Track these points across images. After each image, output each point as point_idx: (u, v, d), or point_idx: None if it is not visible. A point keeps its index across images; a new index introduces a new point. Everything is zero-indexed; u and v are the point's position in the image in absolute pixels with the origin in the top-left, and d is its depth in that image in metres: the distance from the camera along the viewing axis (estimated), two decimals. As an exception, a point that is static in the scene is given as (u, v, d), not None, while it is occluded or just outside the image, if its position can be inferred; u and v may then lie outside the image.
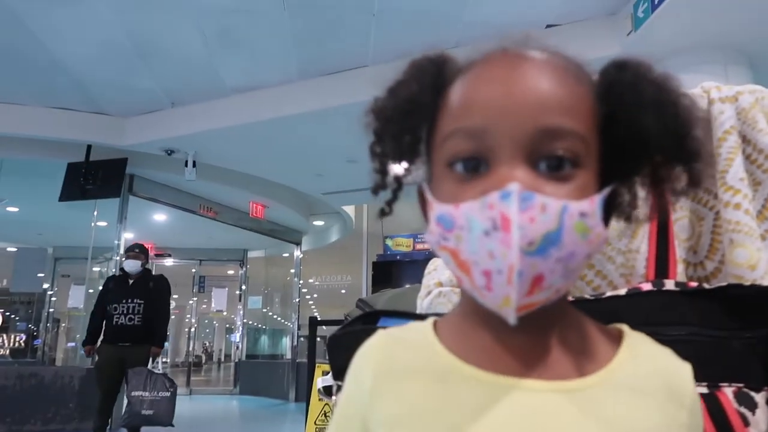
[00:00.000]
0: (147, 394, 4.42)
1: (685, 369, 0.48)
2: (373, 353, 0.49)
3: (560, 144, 0.41)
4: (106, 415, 4.59)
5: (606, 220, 0.46)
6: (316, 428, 4.26)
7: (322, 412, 4.21)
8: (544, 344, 0.46)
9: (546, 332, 0.46)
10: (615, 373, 0.45)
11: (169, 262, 11.25)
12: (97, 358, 4.74)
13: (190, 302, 12.39)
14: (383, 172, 0.50)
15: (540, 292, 0.41)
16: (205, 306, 13.56)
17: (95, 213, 7.20)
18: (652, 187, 0.47)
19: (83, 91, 5.68)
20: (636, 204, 0.48)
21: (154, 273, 5.05)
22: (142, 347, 4.62)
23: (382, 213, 0.52)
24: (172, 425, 4.56)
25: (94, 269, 8.41)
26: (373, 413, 0.46)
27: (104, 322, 4.69)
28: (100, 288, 4.95)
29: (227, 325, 22.22)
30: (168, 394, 4.56)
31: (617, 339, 0.48)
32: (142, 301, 4.68)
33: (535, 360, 0.45)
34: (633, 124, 0.44)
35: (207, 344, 24.74)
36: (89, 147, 6.43)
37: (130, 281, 4.79)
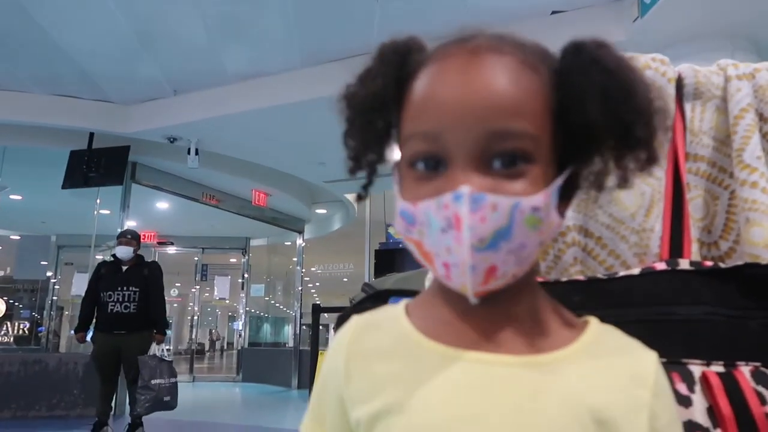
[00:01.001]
0: (164, 381, 4.48)
1: (650, 354, 0.49)
2: (347, 339, 0.52)
3: (511, 144, 0.44)
4: (108, 401, 4.61)
5: (565, 204, 0.48)
6: (320, 414, 4.27)
7: (326, 398, 4.22)
8: (508, 321, 0.48)
9: (510, 310, 0.48)
10: (576, 352, 0.47)
11: (171, 250, 11.27)
12: (92, 346, 4.72)
13: (193, 290, 12.41)
14: (356, 158, 0.52)
15: (495, 280, 0.44)
16: (207, 294, 13.60)
17: (98, 201, 7.20)
18: (612, 162, 0.48)
19: (86, 79, 5.66)
20: (600, 180, 0.49)
21: (147, 260, 4.98)
22: (138, 335, 4.59)
23: (359, 198, 0.55)
24: (175, 408, 4.66)
25: (98, 257, 8.42)
26: (347, 393, 0.49)
27: (97, 310, 4.65)
28: (92, 273, 4.87)
29: (230, 313, 22.32)
30: (175, 380, 4.64)
31: (583, 325, 0.50)
32: (138, 289, 4.63)
33: (498, 335, 0.47)
34: (581, 112, 0.45)
35: (213, 331, 24.83)
36: (92, 135, 6.42)
37: (123, 268, 4.72)
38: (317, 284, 17.28)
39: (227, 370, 13.79)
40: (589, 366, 0.46)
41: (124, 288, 4.62)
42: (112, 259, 4.82)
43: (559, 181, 0.46)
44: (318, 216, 10.13)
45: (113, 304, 4.59)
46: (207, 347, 23.91)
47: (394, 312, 0.52)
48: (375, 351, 0.50)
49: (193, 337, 12.29)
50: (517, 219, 0.43)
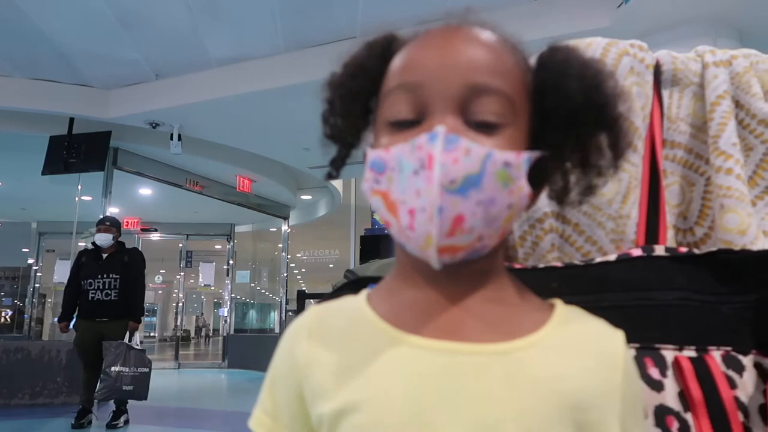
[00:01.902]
0: (127, 369, 4.40)
1: (617, 334, 0.49)
2: (305, 328, 0.51)
3: (489, 100, 0.45)
4: (92, 388, 4.57)
5: (535, 188, 0.48)
6: (305, 400, 4.29)
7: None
8: (475, 306, 0.47)
9: (474, 293, 0.47)
10: (545, 337, 0.47)
11: (155, 236, 11.18)
12: (75, 334, 4.69)
13: (178, 277, 12.33)
14: (333, 136, 0.53)
15: (461, 234, 0.43)
16: (192, 281, 13.54)
17: (79, 187, 7.10)
18: (580, 166, 0.50)
19: (65, 62, 5.56)
20: (568, 185, 0.51)
21: (128, 247, 4.91)
22: (119, 322, 4.56)
23: (329, 176, 0.56)
24: (145, 399, 4.59)
25: (80, 244, 8.33)
26: (308, 387, 0.48)
27: (81, 298, 4.61)
28: (72, 263, 4.83)
29: (215, 300, 22.25)
30: (146, 370, 4.56)
31: (550, 309, 0.50)
32: (118, 276, 4.59)
33: (466, 322, 0.46)
34: (560, 90, 0.47)
35: (199, 318, 24.70)
36: (72, 120, 6.32)
37: (104, 255, 4.68)
38: (303, 270, 17.27)
39: (213, 356, 13.78)
40: (559, 350, 0.46)
41: (105, 275, 4.59)
42: (92, 246, 4.76)
43: (535, 154, 0.47)
44: (303, 202, 10.09)
45: (94, 291, 4.56)
46: (192, 334, 23.85)
47: (355, 300, 0.52)
48: (336, 341, 0.49)
49: (178, 323, 12.25)
50: (489, 169, 0.43)
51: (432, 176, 0.42)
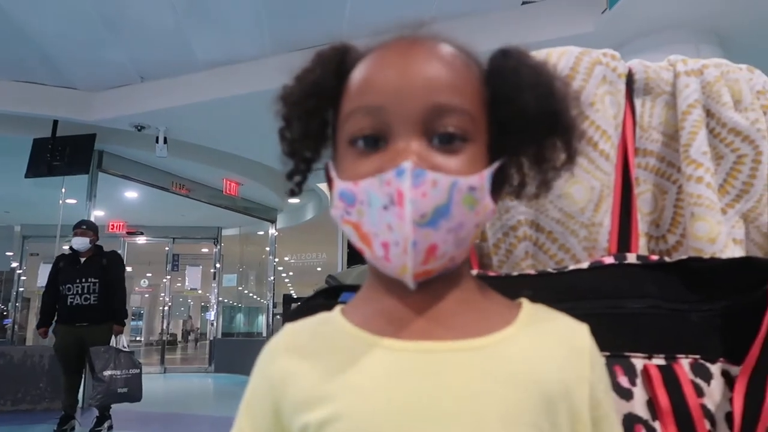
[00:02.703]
0: (119, 372, 4.39)
1: (582, 327, 0.50)
2: (279, 347, 0.51)
3: (450, 119, 0.45)
4: (74, 394, 4.54)
5: (496, 195, 0.50)
6: (290, 405, 4.28)
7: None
8: (444, 308, 0.48)
9: (445, 297, 0.49)
10: (515, 333, 0.48)
11: (141, 240, 11.09)
12: (54, 339, 4.62)
13: (164, 281, 12.24)
14: (292, 154, 0.53)
15: (435, 260, 0.45)
16: (179, 284, 13.43)
17: (63, 190, 7.02)
18: (535, 164, 0.51)
19: (49, 64, 5.50)
20: (524, 180, 0.52)
21: (106, 250, 4.85)
22: (100, 326, 4.51)
23: (292, 193, 0.56)
24: (140, 400, 4.59)
25: (64, 248, 8.24)
26: (284, 403, 0.48)
27: (59, 303, 4.54)
28: (51, 268, 4.75)
29: (202, 303, 22.10)
30: (137, 370, 4.56)
31: (517, 307, 0.51)
32: (97, 280, 4.53)
33: (438, 323, 0.48)
34: (515, 102, 0.48)
35: (188, 320, 24.49)
36: (56, 122, 6.25)
37: (82, 260, 4.61)
38: (290, 274, 17.21)
39: (199, 360, 13.69)
40: (530, 345, 0.47)
41: (83, 280, 4.53)
42: (70, 251, 4.70)
43: (494, 166, 0.48)
44: (290, 205, 10.07)
45: (73, 296, 4.50)
46: (180, 338, 23.65)
47: (329, 315, 0.52)
48: (313, 352, 0.49)
49: (164, 327, 12.15)
50: (456, 197, 0.44)
51: (403, 213, 0.43)
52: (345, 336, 0.49)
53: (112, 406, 4.57)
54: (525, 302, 0.51)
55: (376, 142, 0.46)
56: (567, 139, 0.49)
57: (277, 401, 0.49)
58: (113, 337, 4.55)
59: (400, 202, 0.43)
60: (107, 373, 4.32)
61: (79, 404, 4.93)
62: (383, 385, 0.45)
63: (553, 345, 0.48)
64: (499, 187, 0.50)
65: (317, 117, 0.51)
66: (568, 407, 0.46)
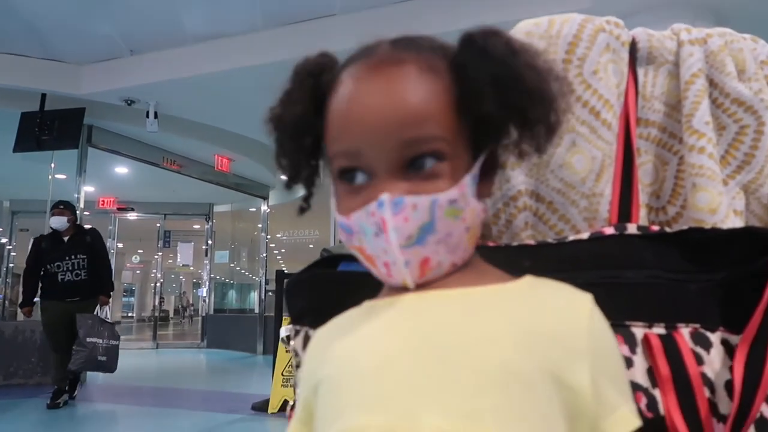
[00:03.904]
0: (101, 341, 4.65)
1: (585, 295, 0.50)
2: (319, 336, 0.57)
3: (422, 148, 0.48)
4: (64, 368, 4.65)
5: (488, 182, 0.54)
6: (283, 378, 4.31)
7: (289, 363, 4.25)
8: (446, 279, 0.51)
9: (448, 279, 0.51)
10: (511, 287, 0.50)
11: (132, 216, 11.03)
12: (42, 315, 4.81)
13: (156, 257, 12.21)
14: (292, 177, 0.57)
15: (431, 270, 0.49)
16: (171, 261, 13.41)
17: (53, 165, 6.95)
18: (520, 144, 0.52)
19: (36, 36, 5.39)
20: (519, 153, 0.53)
21: (86, 227, 5.17)
22: (90, 301, 4.78)
23: (302, 210, 0.61)
24: (114, 371, 4.88)
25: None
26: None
27: (46, 280, 4.78)
28: (30, 248, 5.00)
29: (194, 280, 22.10)
30: (117, 342, 4.85)
31: (519, 277, 0.53)
32: (85, 256, 4.80)
33: (435, 287, 0.51)
34: (477, 104, 0.48)
35: (183, 296, 24.46)
36: (44, 96, 6.15)
37: (65, 238, 4.85)
38: (282, 250, 17.21)
39: (192, 336, 13.73)
40: (524, 297, 0.49)
41: (73, 256, 4.77)
42: (50, 230, 4.93)
43: (474, 170, 0.50)
44: (283, 182, 10.01)
45: (63, 273, 4.73)
46: (171, 314, 23.67)
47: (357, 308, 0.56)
48: (335, 334, 0.54)
49: (156, 304, 12.16)
50: (438, 213, 0.47)
51: (389, 239, 0.47)
52: (353, 311, 0.55)
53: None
54: (529, 276, 0.52)
55: (361, 177, 0.49)
56: (546, 124, 0.50)
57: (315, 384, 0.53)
58: (98, 307, 4.82)
59: (385, 229, 0.47)
60: (90, 340, 4.57)
61: (79, 381, 5.08)
62: (368, 333, 0.50)
63: (547, 301, 0.48)
64: (489, 172, 0.54)
65: (308, 142, 0.54)
66: (559, 356, 0.44)
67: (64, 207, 4.89)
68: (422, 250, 0.48)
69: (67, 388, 4.76)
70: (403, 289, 0.50)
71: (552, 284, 0.51)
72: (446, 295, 0.49)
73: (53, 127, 6.16)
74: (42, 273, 4.80)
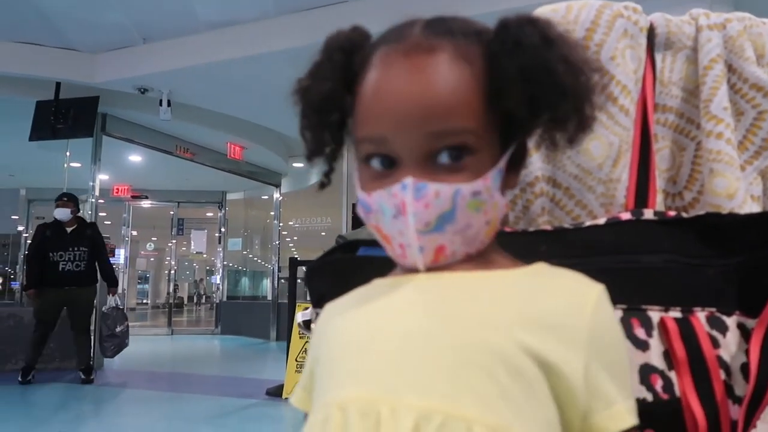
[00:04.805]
0: (123, 327, 5.29)
1: (596, 284, 0.48)
2: (333, 306, 0.57)
3: (452, 141, 0.47)
4: (41, 349, 5.10)
5: (514, 173, 0.53)
6: (297, 364, 4.36)
7: (303, 348, 4.29)
8: (461, 266, 0.51)
9: (458, 265, 0.51)
10: (516, 272, 0.50)
11: (146, 204, 11.12)
12: (38, 298, 5.12)
13: (169, 244, 12.32)
14: (314, 150, 0.56)
15: (445, 258, 0.49)
16: (184, 248, 13.53)
17: (68, 153, 7.01)
18: (547, 138, 0.51)
19: (50, 25, 5.43)
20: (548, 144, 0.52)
21: (87, 221, 5.57)
22: (86, 289, 5.20)
23: (322, 186, 0.60)
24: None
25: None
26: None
27: (46, 268, 5.09)
28: (34, 234, 5.37)
29: (207, 267, 22.28)
30: (127, 322, 5.51)
31: (530, 264, 0.52)
32: (86, 249, 5.17)
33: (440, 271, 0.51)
34: (507, 96, 0.48)
35: (199, 282, 24.58)
36: (58, 84, 6.20)
37: (68, 229, 5.18)
38: (295, 238, 17.28)
39: (206, 323, 13.88)
40: (528, 281, 0.49)
41: (75, 248, 5.14)
42: (53, 221, 5.22)
43: (501, 164, 0.50)
44: (295, 170, 10.04)
45: (65, 263, 5.09)
46: (186, 301, 23.87)
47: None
48: (339, 309, 0.55)
49: (171, 290, 12.28)
50: (460, 203, 0.47)
51: (407, 222, 0.47)
52: (371, 288, 0.55)
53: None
54: (541, 264, 0.51)
55: (388, 163, 0.49)
56: (571, 121, 0.49)
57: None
58: (109, 296, 5.33)
59: (404, 212, 0.47)
60: (119, 329, 5.17)
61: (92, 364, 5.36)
62: (361, 304, 0.52)
63: (551, 286, 0.48)
64: (516, 164, 0.53)
65: (334, 119, 0.54)
66: (552, 347, 0.44)
67: (68, 199, 5.18)
68: (439, 237, 0.48)
69: (82, 374, 5.12)
70: (414, 270, 0.51)
71: (563, 272, 0.50)
72: (449, 278, 0.49)
73: (68, 116, 6.21)
74: (44, 260, 5.11)
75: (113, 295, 5.35)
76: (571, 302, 0.46)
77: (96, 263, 5.29)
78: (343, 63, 0.52)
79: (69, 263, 5.10)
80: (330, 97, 0.53)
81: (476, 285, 0.49)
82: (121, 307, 5.39)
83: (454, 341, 0.44)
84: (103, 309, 5.22)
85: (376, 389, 0.44)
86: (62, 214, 5.15)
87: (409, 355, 0.45)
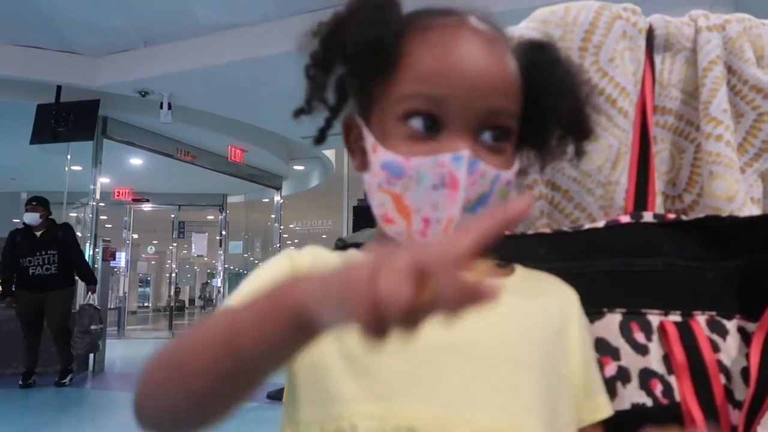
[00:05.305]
0: (97, 327, 5.19)
1: (570, 290, 0.55)
2: (304, 256, 0.52)
3: (501, 121, 0.49)
4: (36, 351, 5.04)
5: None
6: (298, 368, 4.36)
7: (304, 352, 4.29)
8: None
9: None
10: (513, 280, 0.53)
11: (147, 207, 11.13)
12: (16, 305, 5.09)
13: (170, 248, 12.33)
14: (318, 95, 0.53)
15: None
16: (185, 251, 13.53)
17: (69, 157, 7.01)
18: (540, 152, 0.56)
19: (50, 28, 5.43)
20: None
21: (58, 223, 5.38)
22: (60, 292, 5.04)
23: (318, 140, 0.57)
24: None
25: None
26: None
27: (19, 274, 5.04)
28: (6, 241, 5.23)
29: (208, 270, 22.27)
30: (102, 326, 5.41)
31: (511, 269, 0.56)
32: (56, 252, 5.02)
33: None
34: (546, 103, 0.51)
35: (204, 285, 24.44)
36: (59, 88, 6.20)
37: (38, 234, 5.07)
38: (296, 241, 17.28)
39: (207, 326, 13.82)
40: (526, 287, 0.53)
41: (43, 252, 5.02)
42: (23, 226, 5.14)
43: (516, 163, 0.52)
44: (296, 172, 10.04)
45: (34, 267, 5.00)
46: (189, 304, 23.80)
47: (347, 252, 0.56)
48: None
49: (171, 294, 12.28)
50: (495, 189, 0.48)
51: (456, 197, 0.46)
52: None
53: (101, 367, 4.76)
54: (518, 266, 0.56)
55: (431, 125, 0.47)
56: (580, 138, 0.54)
57: None
58: (89, 294, 5.21)
59: (453, 185, 0.45)
60: (93, 327, 5.07)
61: (90, 368, 5.39)
62: None
63: (545, 289, 0.54)
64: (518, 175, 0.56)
65: (365, 76, 0.50)
66: (564, 341, 0.51)
67: (37, 203, 5.09)
68: (470, 219, 0.47)
69: (59, 377, 5.05)
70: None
71: (542, 275, 0.56)
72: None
73: (69, 119, 6.21)
74: (17, 266, 5.07)
75: (92, 293, 5.25)
76: (563, 293, 0.54)
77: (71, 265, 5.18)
78: (389, 16, 0.50)
79: (39, 267, 5.00)
80: (373, 43, 0.49)
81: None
82: (98, 308, 5.27)
83: (507, 355, 0.46)
84: (79, 304, 5.14)
85: (440, 408, 0.44)
86: (31, 218, 5.05)
87: (471, 369, 0.45)
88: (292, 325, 0.35)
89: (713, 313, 0.59)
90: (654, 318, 0.60)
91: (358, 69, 0.50)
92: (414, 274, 0.28)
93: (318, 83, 0.52)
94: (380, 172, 0.48)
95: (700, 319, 0.59)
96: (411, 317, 0.28)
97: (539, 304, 0.51)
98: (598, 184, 0.72)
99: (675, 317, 0.60)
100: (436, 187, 0.46)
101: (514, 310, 0.48)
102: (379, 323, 0.28)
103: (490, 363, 0.45)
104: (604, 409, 0.51)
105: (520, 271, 0.55)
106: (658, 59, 0.75)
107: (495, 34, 0.50)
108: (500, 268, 0.54)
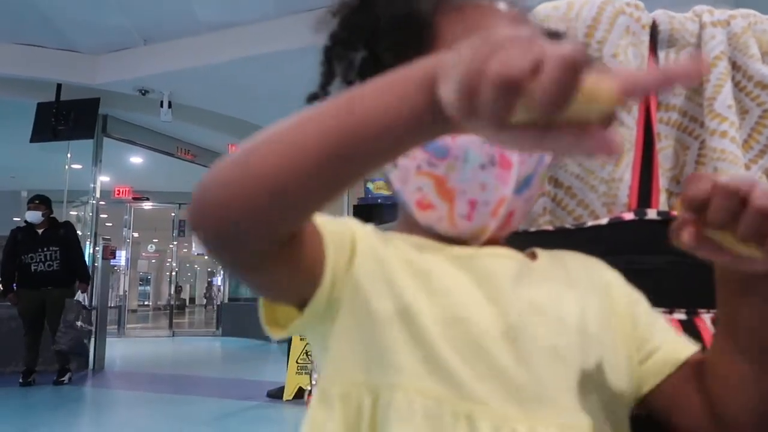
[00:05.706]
0: (85, 325, 5.12)
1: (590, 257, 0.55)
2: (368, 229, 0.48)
3: None
4: (36, 349, 5.05)
5: None
6: (298, 366, 4.35)
7: (304, 350, 4.28)
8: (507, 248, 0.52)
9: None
10: (543, 259, 0.51)
11: (147, 205, 11.12)
12: (18, 302, 5.12)
13: (171, 246, 12.33)
14: (345, 79, 0.50)
15: (508, 227, 0.48)
16: (185, 250, 13.54)
17: (69, 155, 7.01)
18: None
19: (51, 27, 5.43)
20: None
21: (60, 221, 5.42)
22: (62, 289, 5.09)
23: (312, 98, 0.52)
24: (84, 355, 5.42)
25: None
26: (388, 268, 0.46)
27: (21, 271, 5.07)
28: (8, 239, 5.27)
29: (209, 269, 22.28)
30: (92, 327, 5.34)
31: (534, 255, 0.53)
32: (58, 249, 5.09)
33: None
34: None
35: (209, 285, 24.34)
36: (59, 86, 6.20)
37: (39, 231, 5.13)
38: (296, 240, 17.29)
39: (207, 324, 13.87)
40: (563, 260, 0.52)
41: (45, 249, 5.08)
42: (25, 224, 5.19)
43: None
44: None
45: (36, 264, 5.06)
46: (187, 302, 23.78)
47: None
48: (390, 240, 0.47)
49: (172, 292, 12.29)
50: (539, 170, 0.47)
51: (509, 177, 0.44)
52: (413, 239, 0.47)
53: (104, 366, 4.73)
54: (538, 249, 0.54)
55: None
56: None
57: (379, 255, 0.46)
58: (79, 293, 5.16)
59: (505, 164, 0.44)
60: (79, 323, 4.99)
61: (90, 366, 5.37)
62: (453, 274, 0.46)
63: (577, 258, 0.53)
64: None
65: (401, 49, 0.46)
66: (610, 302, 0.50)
67: (40, 201, 5.15)
68: (516, 200, 0.45)
69: (57, 376, 5.04)
70: (445, 239, 0.46)
71: (560, 253, 0.54)
72: (524, 266, 0.47)
73: (69, 118, 6.21)
74: (18, 263, 5.10)
75: (83, 292, 5.22)
76: (591, 263, 0.55)
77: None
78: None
79: (41, 264, 5.06)
80: (411, 15, 0.46)
81: (551, 281, 0.48)
82: (87, 307, 5.26)
83: (571, 353, 0.44)
84: (68, 299, 5.09)
85: (528, 409, 0.41)
86: (33, 216, 5.12)
87: (536, 363, 0.42)
88: (417, 98, 0.31)
89: (718, 310, 0.59)
90: (658, 316, 0.59)
91: (392, 44, 0.47)
92: (537, 61, 0.26)
93: (341, 63, 0.49)
94: (420, 154, 0.45)
95: (705, 317, 0.59)
96: (509, 96, 0.26)
97: (585, 287, 0.49)
98: (602, 180, 0.71)
99: (680, 315, 0.59)
100: (484, 167, 0.44)
101: (570, 301, 0.46)
102: (482, 95, 0.27)
103: (557, 359, 0.43)
104: (681, 349, 0.47)
105: (542, 254, 0.51)
106: (661, 55, 0.75)
107: (525, 18, 0.50)
108: (526, 254, 0.52)
